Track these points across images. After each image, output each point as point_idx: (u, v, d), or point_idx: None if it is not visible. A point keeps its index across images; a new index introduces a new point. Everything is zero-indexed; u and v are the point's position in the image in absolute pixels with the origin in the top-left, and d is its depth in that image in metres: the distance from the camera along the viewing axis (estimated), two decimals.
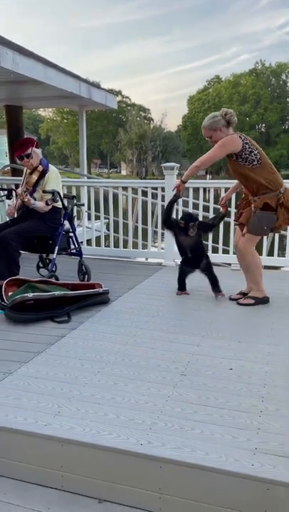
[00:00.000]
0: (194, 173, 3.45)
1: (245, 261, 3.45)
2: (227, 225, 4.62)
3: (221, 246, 4.79)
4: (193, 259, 3.60)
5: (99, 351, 2.49)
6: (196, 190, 4.99)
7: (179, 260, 3.93)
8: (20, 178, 4.95)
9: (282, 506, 1.44)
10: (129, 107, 61.98)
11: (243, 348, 2.54)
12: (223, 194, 4.35)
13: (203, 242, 3.83)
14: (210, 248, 4.71)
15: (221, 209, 3.78)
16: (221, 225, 4.42)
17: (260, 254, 4.58)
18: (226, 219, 4.16)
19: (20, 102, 7.64)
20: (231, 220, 4.75)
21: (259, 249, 4.41)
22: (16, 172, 7.18)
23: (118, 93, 58.23)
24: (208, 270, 3.60)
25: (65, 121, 58.30)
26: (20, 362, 2.34)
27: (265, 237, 4.57)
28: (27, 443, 1.73)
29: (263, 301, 3.42)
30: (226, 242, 4.81)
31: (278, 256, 4.75)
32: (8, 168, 7.50)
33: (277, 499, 1.45)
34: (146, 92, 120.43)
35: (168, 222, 3.64)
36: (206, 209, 4.89)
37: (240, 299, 3.47)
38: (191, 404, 1.91)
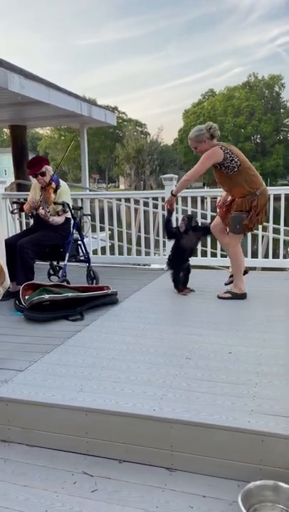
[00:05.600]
0: (184, 187, 3.79)
1: (229, 252, 3.81)
2: None
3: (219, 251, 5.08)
4: (185, 260, 3.99)
5: (112, 342, 2.78)
6: (194, 200, 5.30)
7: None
8: (27, 192, 5.26)
9: (274, 454, 1.72)
10: (125, 123, 62.90)
11: (241, 336, 2.84)
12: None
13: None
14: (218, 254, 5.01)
15: (218, 210, 4.07)
16: None
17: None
18: None
19: (25, 122, 8.02)
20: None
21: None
22: (20, 187, 7.54)
23: (114, 109, 59.09)
24: (188, 271, 4.04)
25: (62, 138, 59.08)
26: (43, 352, 2.63)
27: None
28: (56, 415, 2.02)
29: (240, 296, 3.69)
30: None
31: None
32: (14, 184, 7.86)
33: (270, 448, 1.73)
34: (142, 107, 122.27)
35: (170, 233, 4.03)
36: (204, 217, 5.20)
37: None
38: (195, 380, 2.20)
